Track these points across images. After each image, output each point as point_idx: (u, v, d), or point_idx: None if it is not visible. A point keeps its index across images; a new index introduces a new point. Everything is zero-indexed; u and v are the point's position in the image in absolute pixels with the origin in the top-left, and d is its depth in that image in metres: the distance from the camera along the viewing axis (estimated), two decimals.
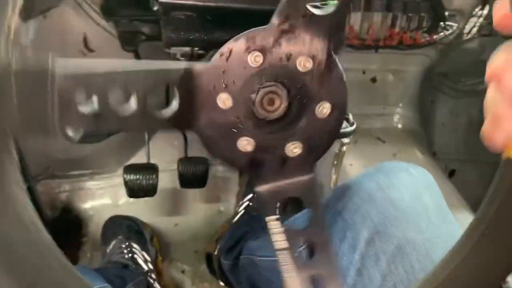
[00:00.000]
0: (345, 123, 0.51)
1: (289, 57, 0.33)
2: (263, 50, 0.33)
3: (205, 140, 0.35)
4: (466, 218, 0.91)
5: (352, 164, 1.14)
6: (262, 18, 0.51)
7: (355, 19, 0.98)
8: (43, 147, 0.92)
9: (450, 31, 1.12)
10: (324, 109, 0.35)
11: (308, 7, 0.32)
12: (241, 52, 0.33)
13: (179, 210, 1.16)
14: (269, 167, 0.37)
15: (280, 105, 0.35)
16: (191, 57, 0.54)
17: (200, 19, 0.50)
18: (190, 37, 0.52)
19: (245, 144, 0.35)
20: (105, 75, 0.30)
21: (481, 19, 1.11)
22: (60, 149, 0.97)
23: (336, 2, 0.40)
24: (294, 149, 0.37)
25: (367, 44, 1.02)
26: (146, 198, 0.95)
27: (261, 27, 0.34)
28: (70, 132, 0.30)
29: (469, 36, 1.13)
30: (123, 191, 1.02)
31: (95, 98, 0.30)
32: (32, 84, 0.28)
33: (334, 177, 0.68)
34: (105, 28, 0.90)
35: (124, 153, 1.13)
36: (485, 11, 1.08)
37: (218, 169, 1.19)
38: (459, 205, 1.05)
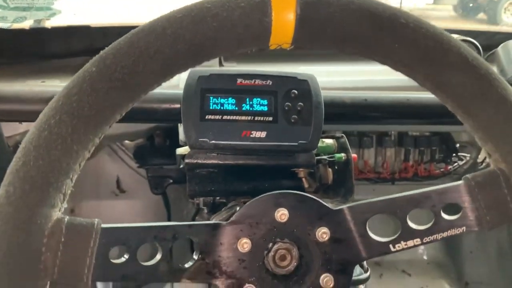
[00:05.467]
0: (359, 269, 0.53)
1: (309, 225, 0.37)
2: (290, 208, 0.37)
3: None
4: None
5: None
6: (277, 172, 0.57)
7: (369, 154, 1.04)
8: None
9: (464, 161, 1.14)
10: (328, 281, 0.37)
11: None
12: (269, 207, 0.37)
13: None
14: None
15: (290, 263, 0.37)
16: (213, 205, 0.59)
17: (221, 173, 0.56)
18: (213, 189, 0.57)
19: None
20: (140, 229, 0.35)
21: None
22: None
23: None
24: None
25: (383, 177, 1.05)
26: None
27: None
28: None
29: (483, 165, 1.16)
30: None
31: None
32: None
33: None
34: (136, 170, 0.98)
35: None
36: None
37: None
38: None
